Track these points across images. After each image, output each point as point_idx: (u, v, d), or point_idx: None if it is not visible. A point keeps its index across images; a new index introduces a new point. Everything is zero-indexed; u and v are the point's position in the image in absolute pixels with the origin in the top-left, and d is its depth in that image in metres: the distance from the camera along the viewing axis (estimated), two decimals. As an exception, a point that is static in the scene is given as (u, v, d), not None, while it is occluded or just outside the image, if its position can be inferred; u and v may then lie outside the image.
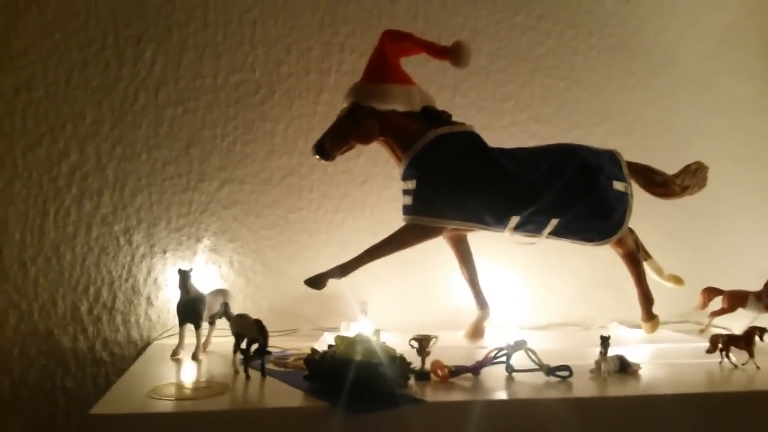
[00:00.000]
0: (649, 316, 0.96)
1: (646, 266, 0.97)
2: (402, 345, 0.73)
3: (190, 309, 0.80)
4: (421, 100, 0.85)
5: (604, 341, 0.75)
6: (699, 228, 1.17)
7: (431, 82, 1.05)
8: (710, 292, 0.98)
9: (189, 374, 0.76)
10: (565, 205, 0.86)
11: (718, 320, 1.01)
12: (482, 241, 0.97)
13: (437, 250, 0.97)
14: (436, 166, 0.83)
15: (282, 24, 1.04)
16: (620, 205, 0.88)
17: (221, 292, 0.87)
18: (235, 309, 0.87)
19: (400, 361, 0.68)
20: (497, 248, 1.03)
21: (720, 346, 0.82)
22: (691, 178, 0.94)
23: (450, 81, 1.09)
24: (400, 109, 0.82)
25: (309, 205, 1.05)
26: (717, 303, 1.00)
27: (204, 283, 0.91)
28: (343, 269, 0.84)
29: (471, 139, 0.86)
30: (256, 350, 0.70)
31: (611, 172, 0.88)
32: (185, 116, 1.02)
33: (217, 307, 0.85)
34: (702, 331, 1.00)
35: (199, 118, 1.02)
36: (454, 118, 0.88)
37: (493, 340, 0.89)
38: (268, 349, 0.70)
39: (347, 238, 1.04)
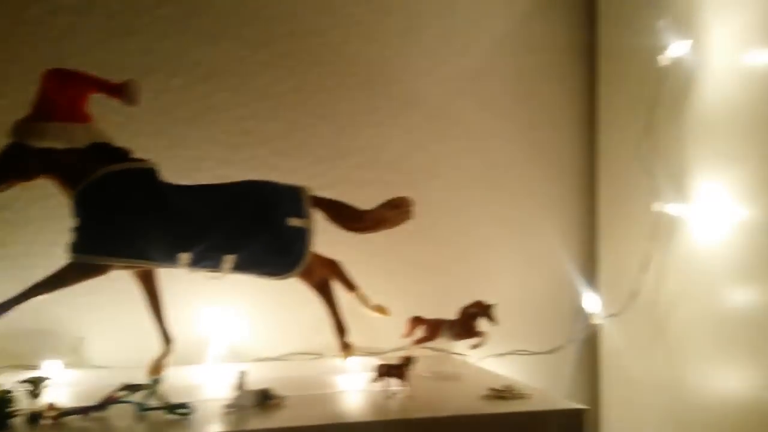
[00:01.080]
0: (343, 346, 1.00)
1: (353, 297, 1.01)
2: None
3: None
4: (89, 137, 0.86)
5: (241, 375, 0.78)
6: (444, 257, 1.23)
7: (167, 114, 1.09)
8: (415, 322, 1.02)
9: None
10: (238, 241, 0.89)
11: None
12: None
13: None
14: (100, 203, 0.85)
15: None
16: (298, 241, 0.91)
17: None
18: None
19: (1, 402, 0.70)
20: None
21: (382, 373, 0.85)
22: (389, 211, 0.98)
23: (184, 114, 1.12)
24: (59, 146, 0.84)
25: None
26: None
27: None
28: (2, 307, 0.84)
29: (143, 176, 0.88)
30: None
31: (290, 209, 0.91)
32: None
33: None
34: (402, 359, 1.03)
35: None
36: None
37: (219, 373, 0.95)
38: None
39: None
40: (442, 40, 1.25)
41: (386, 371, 0.85)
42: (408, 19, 1.23)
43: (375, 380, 0.86)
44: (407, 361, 0.85)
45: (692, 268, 1.05)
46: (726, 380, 0.98)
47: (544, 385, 1.19)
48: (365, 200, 0.99)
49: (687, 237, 1.06)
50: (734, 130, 0.98)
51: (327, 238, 0.97)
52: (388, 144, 1.21)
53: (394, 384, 0.85)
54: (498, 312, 0.99)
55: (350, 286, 1.01)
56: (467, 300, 1.01)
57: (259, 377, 0.84)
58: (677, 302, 1.08)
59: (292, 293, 1.04)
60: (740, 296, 0.96)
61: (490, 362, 1.17)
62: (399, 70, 1.22)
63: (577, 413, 0.79)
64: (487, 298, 1.00)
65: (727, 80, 0.99)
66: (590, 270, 1.29)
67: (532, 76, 1.30)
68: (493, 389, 0.86)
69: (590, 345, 1.28)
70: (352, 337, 1.02)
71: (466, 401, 0.84)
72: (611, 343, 1.24)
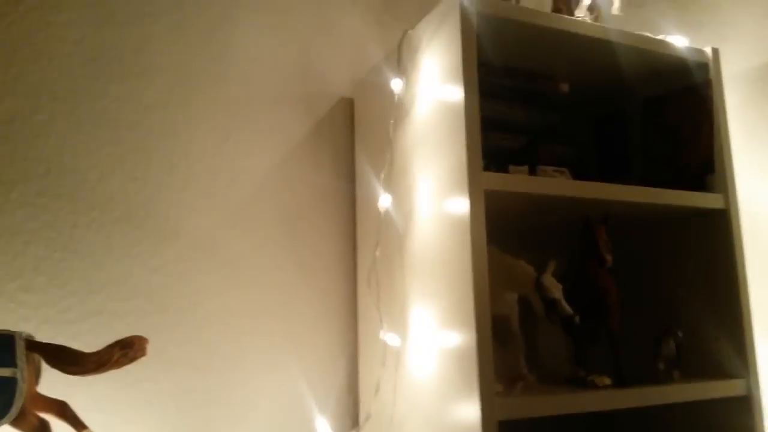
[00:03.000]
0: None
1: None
2: None
3: None
4: None
5: None
6: (210, 386, 1.28)
7: None
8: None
9: None
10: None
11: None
12: None
13: None
14: None
15: None
16: (5, 391, 0.94)
17: None
18: None
19: None
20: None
21: None
22: (115, 352, 1.03)
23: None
24: None
25: None
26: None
27: None
28: None
29: None
30: None
31: (-4, 359, 0.94)
32: None
33: None
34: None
35: None
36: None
37: None
38: None
39: None
40: (208, 176, 1.34)
41: None
42: (172, 156, 1.32)
43: None
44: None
45: (413, 391, 1.16)
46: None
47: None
48: (120, 332, 1.03)
49: (407, 362, 1.18)
50: (434, 269, 1.13)
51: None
52: (148, 276, 1.27)
53: None
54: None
55: (80, 426, 1.03)
56: (231, 428, 1.06)
57: None
58: (403, 424, 1.18)
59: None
60: (448, 419, 1.08)
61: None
62: (162, 205, 1.30)
63: None
64: (245, 424, 1.06)
65: (428, 228, 1.15)
66: (349, 395, 1.39)
67: (299, 212, 1.42)
68: None
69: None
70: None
71: None
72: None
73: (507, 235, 1.43)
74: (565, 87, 1.37)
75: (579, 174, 1.35)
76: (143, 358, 1.09)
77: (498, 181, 1.09)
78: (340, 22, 1.55)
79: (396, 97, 1.25)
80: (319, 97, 1.49)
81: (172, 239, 1.30)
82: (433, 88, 1.16)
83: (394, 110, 1.26)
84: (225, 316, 1.31)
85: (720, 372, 1.28)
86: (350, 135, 1.50)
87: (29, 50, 1.24)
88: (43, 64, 1.25)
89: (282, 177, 1.41)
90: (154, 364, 1.24)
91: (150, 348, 1.05)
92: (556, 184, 1.13)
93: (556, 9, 1.33)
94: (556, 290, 1.10)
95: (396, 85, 1.24)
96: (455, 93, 1.09)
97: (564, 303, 1.10)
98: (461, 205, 1.06)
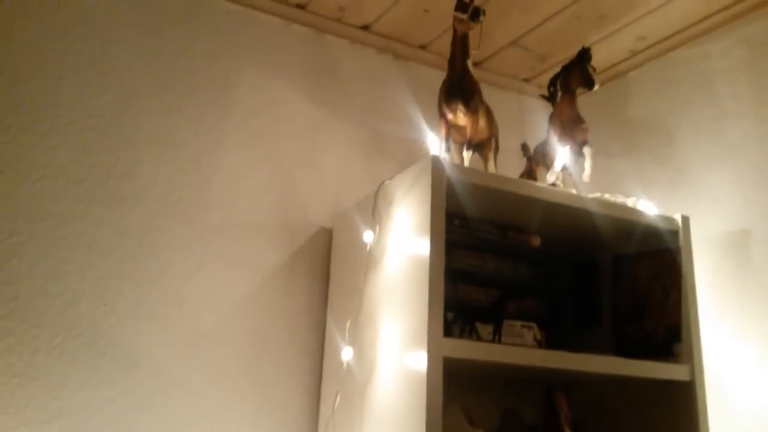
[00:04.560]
0: None
1: None
2: None
3: None
4: None
5: None
6: None
7: None
8: None
9: None
10: None
11: None
12: None
13: None
14: None
15: None
16: None
17: None
18: None
19: None
20: None
21: None
22: None
23: None
24: None
25: None
26: None
27: None
28: None
29: None
30: None
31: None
32: None
33: None
34: None
35: None
36: None
37: None
38: None
39: None
40: (176, 304, 1.35)
41: None
42: (143, 284, 1.33)
43: None
44: None
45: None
46: None
47: None
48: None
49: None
50: (392, 423, 1.12)
51: None
52: (102, 406, 1.25)
53: None
54: None
55: None
56: None
57: None
58: None
59: None
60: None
61: None
62: (127, 333, 1.29)
63: None
64: None
65: (388, 381, 1.15)
66: None
67: (267, 343, 1.41)
68: None
69: None
70: None
71: None
72: None
73: (467, 389, 1.42)
74: (536, 240, 1.40)
75: (549, 326, 1.35)
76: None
77: (458, 348, 1.09)
78: (326, 154, 1.60)
79: (368, 247, 1.27)
80: (299, 227, 1.52)
81: (131, 369, 1.29)
82: (403, 240, 1.18)
83: (365, 259, 1.28)
84: (178, 451, 1.29)
85: None
86: (326, 265, 1.51)
87: (15, 172, 1.27)
88: (27, 186, 1.28)
89: (251, 307, 1.42)
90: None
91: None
92: (519, 354, 1.13)
93: (529, 171, 1.37)
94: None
95: (368, 236, 1.26)
96: (422, 247, 1.11)
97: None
98: (420, 365, 1.06)
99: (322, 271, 1.50)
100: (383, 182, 1.29)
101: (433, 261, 1.09)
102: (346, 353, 1.24)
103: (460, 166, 1.25)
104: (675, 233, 1.38)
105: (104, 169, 1.35)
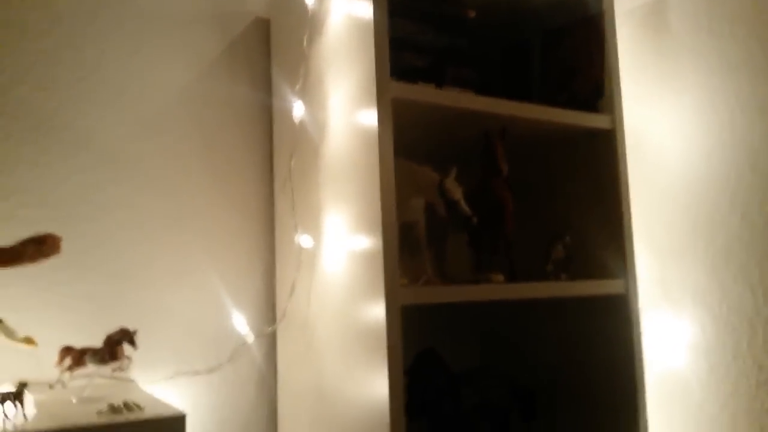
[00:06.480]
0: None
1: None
2: None
3: None
4: None
5: None
6: (117, 290, 1.30)
7: None
8: (65, 351, 1.08)
9: None
10: None
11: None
12: None
13: None
14: None
15: None
16: None
17: None
18: None
19: None
20: None
21: (-2, 400, 0.90)
22: (29, 247, 1.03)
23: None
24: None
25: None
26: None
27: None
28: None
29: None
30: None
31: None
32: None
33: None
34: (51, 387, 1.09)
35: None
36: None
37: None
38: None
39: None
40: (117, 89, 1.34)
41: (1, 398, 0.90)
42: (81, 68, 1.31)
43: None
44: (21, 387, 0.91)
45: (325, 291, 1.24)
46: (353, 384, 1.16)
47: (227, 404, 1.32)
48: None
49: (320, 265, 1.25)
50: (346, 176, 1.19)
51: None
52: (58, 184, 1.26)
53: (9, 409, 0.90)
54: (162, 336, 1.09)
55: (-11, 318, 1.04)
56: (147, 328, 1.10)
57: None
58: (317, 321, 1.26)
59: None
60: (357, 313, 1.16)
61: (165, 386, 1.27)
62: (70, 115, 1.29)
63: (177, 419, 0.91)
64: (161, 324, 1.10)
65: (341, 138, 1.21)
66: (265, 298, 1.45)
67: (215, 125, 1.44)
68: (110, 405, 0.95)
69: (269, 361, 1.43)
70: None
71: (83, 417, 0.91)
72: (283, 359, 1.40)
73: (415, 151, 1.50)
74: (472, 13, 1.45)
75: (481, 92, 1.44)
76: (56, 262, 1.11)
77: (406, 90, 1.16)
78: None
79: (310, 12, 1.28)
80: (234, 17, 1.50)
81: (82, 149, 1.30)
82: (345, 3, 1.20)
83: (308, 26, 1.29)
84: (138, 223, 1.33)
85: (602, 273, 1.42)
86: (266, 54, 1.52)
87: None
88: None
89: (196, 92, 1.43)
90: (68, 269, 1.25)
91: (63, 253, 1.07)
92: (460, 98, 1.21)
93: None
94: (457, 192, 1.20)
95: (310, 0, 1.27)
96: (365, 9, 1.14)
97: (463, 203, 1.20)
98: (370, 115, 1.12)
99: (264, 55, 1.51)
100: (320, -53, 1.29)
101: (377, 25, 1.12)
102: (298, 109, 1.29)
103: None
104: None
105: (21, -51, 1.28)
